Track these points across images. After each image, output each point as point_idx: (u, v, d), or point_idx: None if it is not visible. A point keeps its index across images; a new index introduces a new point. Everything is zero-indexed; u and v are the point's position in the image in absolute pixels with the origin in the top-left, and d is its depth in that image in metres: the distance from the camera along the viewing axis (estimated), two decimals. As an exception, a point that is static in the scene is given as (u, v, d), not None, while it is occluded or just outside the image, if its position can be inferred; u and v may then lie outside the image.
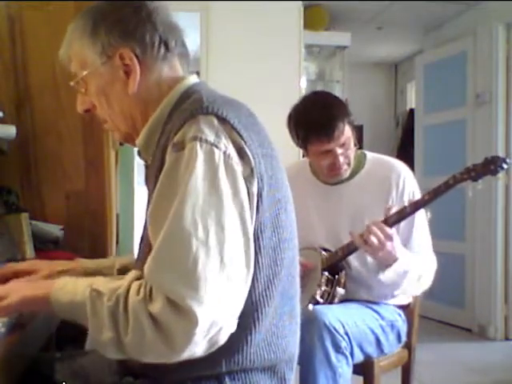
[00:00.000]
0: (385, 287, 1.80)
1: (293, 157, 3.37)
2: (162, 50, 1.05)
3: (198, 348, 0.83)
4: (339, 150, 1.80)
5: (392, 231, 1.67)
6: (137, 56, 1.03)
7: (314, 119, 1.79)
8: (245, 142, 0.92)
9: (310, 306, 1.73)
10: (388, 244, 1.65)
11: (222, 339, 0.86)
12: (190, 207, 0.85)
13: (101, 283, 0.91)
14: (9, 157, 1.86)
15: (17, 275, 1.24)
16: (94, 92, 1.07)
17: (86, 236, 1.94)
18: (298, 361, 1.62)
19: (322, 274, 1.80)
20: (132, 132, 1.09)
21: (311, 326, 1.62)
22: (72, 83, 1.09)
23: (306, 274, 1.84)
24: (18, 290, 0.97)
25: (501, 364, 3.47)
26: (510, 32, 3.95)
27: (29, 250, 1.69)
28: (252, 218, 0.92)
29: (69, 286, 0.94)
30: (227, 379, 0.97)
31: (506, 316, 3.94)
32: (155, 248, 0.86)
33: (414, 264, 1.76)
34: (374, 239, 1.64)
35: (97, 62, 1.05)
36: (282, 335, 1.01)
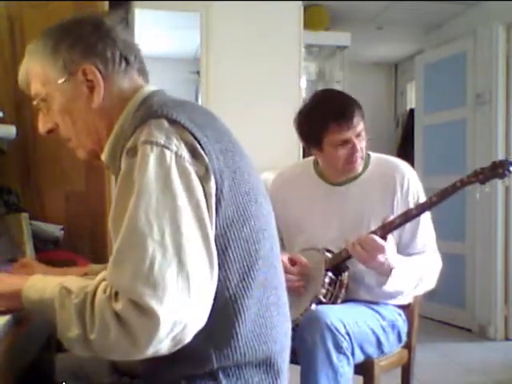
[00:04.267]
0: (386, 289, 1.80)
1: (293, 157, 3.37)
2: (123, 64, 1.08)
3: (162, 345, 0.83)
4: (356, 140, 1.81)
5: (384, 243, 1.67)
6: (99, 71, 1.05)
7: (333, 107, 1.81)
8: (198, 141, 0.93)
9: (313, 306, 1.74)
10: (379, 256, 1.66)
11: (188, 337, 0.86)
12: (144, 209, 0.85)
13: (71, 282, 0.92)
14: (9, 157, 1.86)
15: None
16: (56, 110, 1.08)
17: (86, 236, 1.94)
18: (299, 360, 1.62)
19: (326, 275, 1.80)
20: (97, 147, 1.10)
21: (313, 326, 1.62)
22: (36, 100, 1.10)
23: (308, 273, 1.84)
24: None
25: (501, 364, 3.46)
26: (510, 32, 3.95)
27: (29, 250, 1.69)
28: (211, 216, 0.92)
29: (40, 283, 0.96)
30: (221, 376, 0.97)
31: (506, 316, 3.93)
32: (114, 251, 0.87)
33: (415, 268, 1.76)
34: (361, 251, 1.67)
35: (59, 80, 1.06)
36: (270, 326, 1.02)
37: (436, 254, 1.87)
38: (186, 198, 0.88)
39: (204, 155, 0.92)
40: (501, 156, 3.82)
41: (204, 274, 0.87)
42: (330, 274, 1.80)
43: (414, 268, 1.77)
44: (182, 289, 0.83)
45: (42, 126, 1.12)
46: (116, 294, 0.84)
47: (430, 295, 1.90)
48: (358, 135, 1.81)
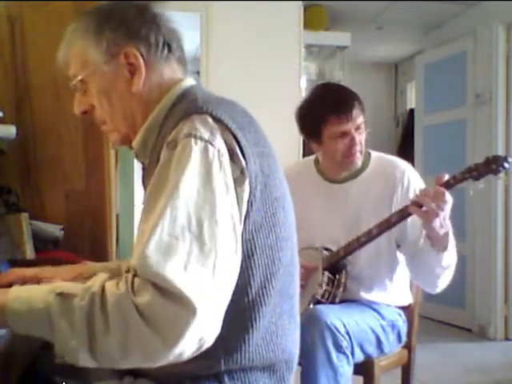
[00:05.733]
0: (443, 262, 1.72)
1: (293, 157, 3.37)
2: (166, 50, 1.07)
3: (189, 345, 0.79)
4: (355, 133, 1.81)
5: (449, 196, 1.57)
6: (142, 55, 1.04)
7: (333, 99, 1.82)
8: (238, 143, 0.93)
9: (311, 306, 1.74)
10: (446, 207, 1.57)
11: (211, 340, 0.83)
12: (184, 201, 0.85)
13: (65, 286, 0.87)
14: (9, 157, 1.86)
15: (23, 281, 1.22)
16: (95, 92, 1.07)
17: (86, 236, 1.94)
18: (299, 360, 1.62)
19: (323, 274, 1.80)
20: (131, 132, 1.09)
21: (312, 326, 1.62)
22: (73, 83, 1.08)
23: (306, 274, 1.84)
24: None
25: (501, 364, 3.46)
26: (510, 32, 3.95)
27: (29, 250, 1.69)
28: (241, 217, 0.91)
29: (24, 293, 0.88)
30: (226, 379, 0.97)
31: (506, 316, 3.94)
32: (146, 239, 0.82)
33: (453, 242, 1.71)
34: (431, 203, 1.55)
35: (100, 61, 1.05)
36: (281, 334, 1.01)
37: None
38: (224, 196, 0.88)
39: (241, 157, 0.92)
40: (501, 156, 3.82)
41: (233, 276, 0.87)
42: (327, 273, 1.80)
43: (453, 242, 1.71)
44: (216, 285, 0.82)
45: (77, 107, 1.11)
46: (133, 287, 0.80)
47: (430, 295, 1.90)
48: (358, 128, 1.81)
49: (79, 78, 1.07)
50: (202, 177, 0.87)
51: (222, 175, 0.89)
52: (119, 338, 0.79)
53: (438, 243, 1.65)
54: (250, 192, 0.93)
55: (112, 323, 0.79)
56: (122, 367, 0.85)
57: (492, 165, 1.62)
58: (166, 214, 0.83)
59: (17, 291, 0.90)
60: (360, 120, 1.81)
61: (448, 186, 1.62)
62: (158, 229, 0.82)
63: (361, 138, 1.83)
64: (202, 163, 0.88)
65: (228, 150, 0.91)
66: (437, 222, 1.59)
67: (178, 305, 0.78)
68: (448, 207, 1.58)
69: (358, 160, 1.86)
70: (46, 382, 1.15)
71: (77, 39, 1.07)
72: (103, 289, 0.83)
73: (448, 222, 1.63)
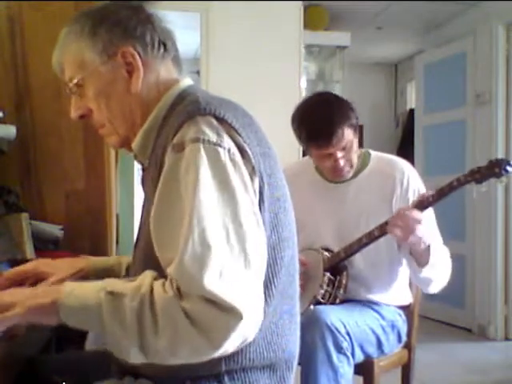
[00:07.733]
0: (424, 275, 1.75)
1: (293, 157, 3.37)
2: (162, 49, 1.06)
3: (233, 344, 0.84)
4: (339, 154, 1.80)
5: (422, 216, 1.63)
6: (139, 54, 1.04)
7: (314, 125, 1.78)
8: (244, 141, 0.93)
9: (312, 306, 1.74)
10: (418, 227, 1.61)
11: (253, 334, 0.86)
12: (207, 209, 0.85)
13: (116, 284, 0.89)
14: (9, 157, 1.86)
15: (25, 278, 1.20)
16: (92, 95, 1.06)
17: (86, 236, 1.94)
18: (299, 361, 1.62)
19: (324, 275, 1.80)
20: (130, 134, 1.09)
21: (313, 326, 1.62)
22: (70, 84, 1.07)
23: (306, 273, 1.84)
24: (23, 300, 0.91)
25: (501, 364, 3.47)
26: (510, 32, 3.95)
27: (29, 249, 1.69)
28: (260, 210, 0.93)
29: (78, 289, 0.90)
30: (226, 379, 0.97)
31: (506, 316, 3.94)
32: (180, 253, 0.84)
33: (442, 252, 1.75)
34: (400, 223, 1.61)
35: (97, 62, 1.04)
36: (281, 334, 1.01)
37: (445, 248, 1.84)
38: (244, 194, 0.89)
39: (251, 155, 0.93)
40: (501, 156, 3.83)
41: (263, 270, 0.90)
42: (328, 274, 1.80)
43: (442, 252, 1.75)
44: (250, 286, 0.84)
45: (74, 112, 1.10)
46: (178, 291, 0.83)
47: (430, 295, 1.90)
48: (343, 148, 1.80)
49: (76, 80, 1.06)
50: (218, 181, 0.87)
51: (238, 174, 0.90)
52: (168, 338, 0.83)
53: (419, 258, 1.69)
54: (259, 190, 0.94)
55: (161, 325, 0.82)
56: (170, 363, 0.87)
57: (495, 168, 1.62)
58: (192, 227, 0.84)
59: (70, 287, 0.91)
60: (345, 141, 1.78)
61: (451, 188, 1.63)
62: (189, 242, 0.84)
63: (349, 155, 1.82)
64: (215, 167, 0.88)
65: (238, 148, 0.92)
66: (412, 240, 1.63)
67: (223, 311, 0.81)
68: (420, 227, 1.61)
69: (347, 173, 1.87)
70: (46, 382, 1.15)
71: (71, 42, 1.06)
72: (152, 290, 0.85)
73: (427, 239, 1.65)
